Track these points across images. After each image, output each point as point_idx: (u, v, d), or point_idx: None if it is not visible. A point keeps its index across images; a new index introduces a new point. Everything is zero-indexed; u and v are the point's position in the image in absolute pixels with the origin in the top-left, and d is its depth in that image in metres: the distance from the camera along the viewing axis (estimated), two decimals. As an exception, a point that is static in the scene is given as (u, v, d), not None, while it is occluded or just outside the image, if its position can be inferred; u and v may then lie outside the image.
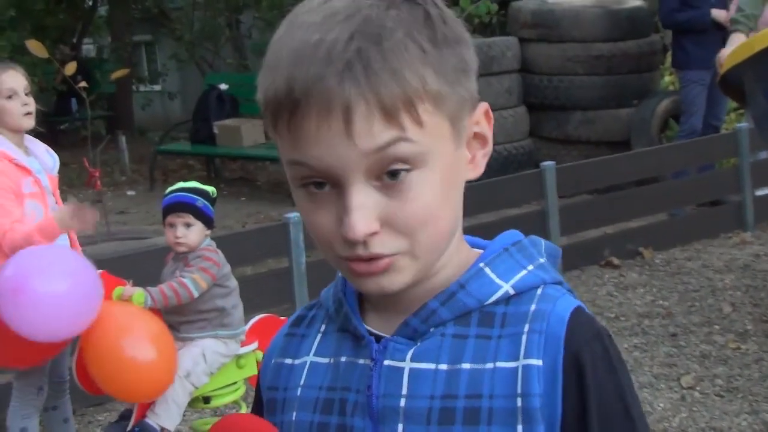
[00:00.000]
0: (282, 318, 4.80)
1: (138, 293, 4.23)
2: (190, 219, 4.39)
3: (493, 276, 1.22)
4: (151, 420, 4.29)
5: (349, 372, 1.25)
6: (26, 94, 4.50)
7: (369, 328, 1.26)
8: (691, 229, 8.23)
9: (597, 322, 1.22)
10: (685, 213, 8.66)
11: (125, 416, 4.46)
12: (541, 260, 1.25)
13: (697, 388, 5.29)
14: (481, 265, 1.23)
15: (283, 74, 1.12)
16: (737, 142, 8.24)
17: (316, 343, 1.32)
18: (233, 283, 4.55)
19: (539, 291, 1.22)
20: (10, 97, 4.45)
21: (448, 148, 1.16)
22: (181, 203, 4.42)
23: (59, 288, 3.88)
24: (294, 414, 1.29)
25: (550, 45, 10.27)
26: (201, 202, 4.41)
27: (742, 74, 5.85)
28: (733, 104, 9.81)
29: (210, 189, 4.52)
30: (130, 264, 5.31)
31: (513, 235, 1.29)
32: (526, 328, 1.18)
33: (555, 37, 10.23)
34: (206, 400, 4.58)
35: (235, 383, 4.65)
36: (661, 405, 5.13)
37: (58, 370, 4.63)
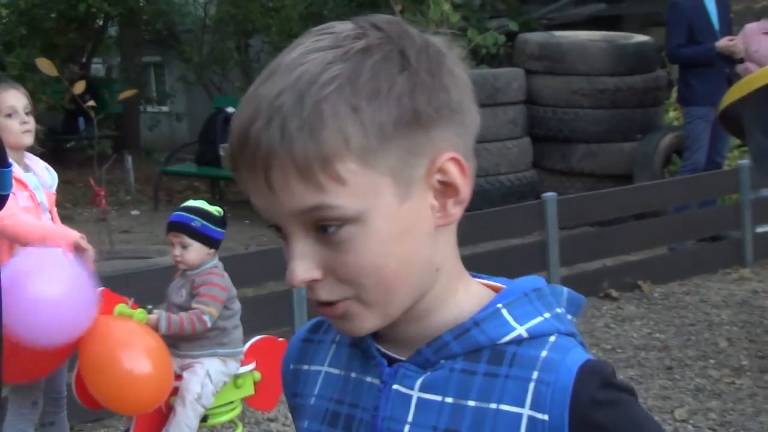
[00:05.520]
0: (281, 339, 4.85)
1: (139, 311, 4.27)
2: (185, 239, 4.41)
3: (509, 318, 1.21)
4: None
5: (358, 389, 1.27)
6: (26, 114, 4.62)
7: (380, 347, 1.27)
8: (690, 264, 8.28)
9: (604, 370, 1.19)
10: (684, 247, 8.70)
11: None
12: (558, 310, 1.24)
13: (690, 422, 5.32)
14: (499, 305, 1.22)
15: (232, 124, 1.15)
16: (738, 179, 8.31)
17: (330, 353, 1.34)
18: (237, 305, 4.58)
19: (552, 339, 1.20)
20: (9, 115, 4.58)
21: (387, 204, 1.13)
22: (177, 223, 4.45)
23: (51, 291, 3.94)
24: (306, 422, 1.33)
25: (555, 77, 10.35)
26: (198, 222, 4.41)
27: (741, 111, 5.89)
28: (736, 141, 9.87)
29: (215, 209, 4.51)
30: (132, 282, 5.36)
31: (535, 281, 1.27)
32: (535, 375, 1.18)
33: (561, 70, 10.31)
34: (203, 418, 4.61)
35: (231, 402, 4.70)
36: (654, 437, 5.15)
37: (55, 386, 4.65)
